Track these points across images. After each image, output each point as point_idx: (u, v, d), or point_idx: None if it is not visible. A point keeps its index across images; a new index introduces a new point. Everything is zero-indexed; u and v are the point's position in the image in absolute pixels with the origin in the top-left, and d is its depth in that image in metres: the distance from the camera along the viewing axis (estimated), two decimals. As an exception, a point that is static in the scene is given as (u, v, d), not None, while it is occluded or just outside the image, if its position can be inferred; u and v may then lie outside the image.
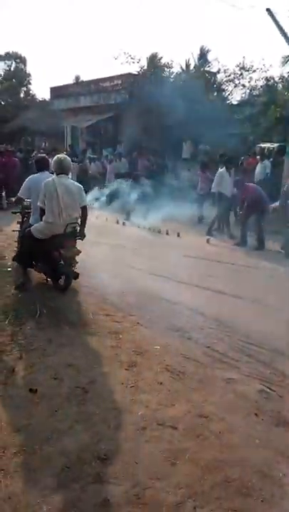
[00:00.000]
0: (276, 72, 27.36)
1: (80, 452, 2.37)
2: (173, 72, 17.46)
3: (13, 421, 2.66)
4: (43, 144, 21.49)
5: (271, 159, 12.35)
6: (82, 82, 23.01)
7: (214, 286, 5.60)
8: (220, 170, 9.45)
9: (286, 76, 17.32)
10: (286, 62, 17.61)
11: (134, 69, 16.98)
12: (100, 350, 3.65)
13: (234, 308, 4.86)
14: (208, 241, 8.69)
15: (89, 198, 9.97)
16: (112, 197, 11.62)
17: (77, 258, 4.92)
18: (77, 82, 25.09)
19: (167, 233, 9.32)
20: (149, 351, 3.67)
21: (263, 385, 3.20)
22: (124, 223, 10.36)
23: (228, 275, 6.35)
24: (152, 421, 2.70)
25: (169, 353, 3.66)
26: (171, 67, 17.52)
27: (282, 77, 17.81)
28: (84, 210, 4.89)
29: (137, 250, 7.59)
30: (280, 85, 17.83)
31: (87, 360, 3.47)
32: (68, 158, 4.93)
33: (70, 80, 27.26)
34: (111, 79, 18.34)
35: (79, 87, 21.33)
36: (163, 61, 20.23)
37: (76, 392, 2.99)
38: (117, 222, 10.40)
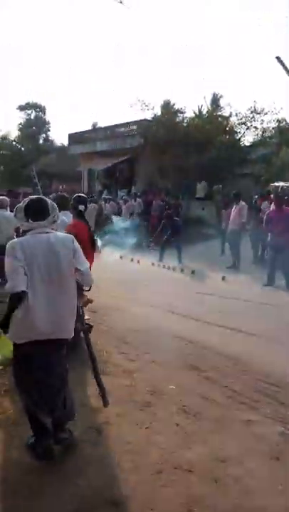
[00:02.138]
0: (287, 113, 28.28)
1: (92, 496, 2.27)
2: (186, 117, 18.16)
3: (23, 462, 2.59)
4: (61, 186, 22.24)
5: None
6: (99, 128, 24.09)
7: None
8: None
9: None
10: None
11: (148, 115, 17.78)
12: (114, 390, 3.57)
13: (251, 347, 4.74)
14: (223, 278, 8.64)
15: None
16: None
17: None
18: (94, 128, 26.29)
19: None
20: (164, 391, 3.59)
21: (283, 427, 3.06)
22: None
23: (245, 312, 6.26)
24: (168, 464, 2.59)
25: (185, 393, 3.56)
26: (184, 113, 18.27)
27: (293, 119, 18.30)
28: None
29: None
30: (292, 127, 18.28)
31: (101, 400, 3.40)
32: (5, 198, 7.00)
33: (88, 126, 28.64)
34: (126, 125, 19.16)
35: (96, 133, 22.30)
36: (176, 107, 21.17)
37: (89, 433, 2.91)
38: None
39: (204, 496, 2.31)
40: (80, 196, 4.73)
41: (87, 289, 3.00)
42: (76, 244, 2.65)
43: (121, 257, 10.84)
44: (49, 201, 2.70)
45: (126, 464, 2.58)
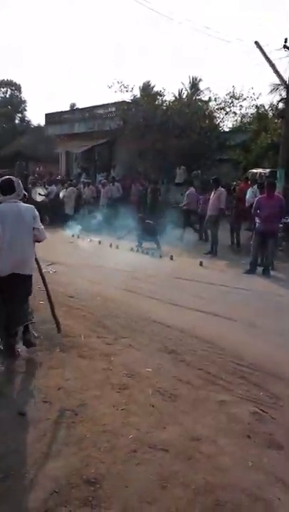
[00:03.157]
0: (265, 100, 28.38)
1: (69, 476, 2.32)
2: (165, 101, 17.96)
3: (0, 445, 2.60)
4: (38, 168, 21.78)
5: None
6: (77, 109, 23.57)
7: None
8: None
9: (275, 104, 17.90)
10: (275, 90, 18.30)
11: (127, 97, 17.51)
12: (91, 373, 3.61)
13: (227, 331, 4.85)
14: (201, 264, 8.74)
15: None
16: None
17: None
18: (73, 109, 25.71)
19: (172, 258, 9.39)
20: (140, 373, 3.64)
21: (255, 407, 3.17)
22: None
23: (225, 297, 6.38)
24: (143, 444, 2.65)
25: (161, 376, 3.63)
26: (164, 96, 18.06)
27: (272, 105, 18.40)
28: None
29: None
30: (270, 113, 18.39)
31: (77, 382, 3.43)
32: None
33: (66, 107, 27.99)
34: (105, 106, 18.83)
35: (74, 114, 21.82)
36: (155, 89, 20.90)
37: (66, 415, 2.94)
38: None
39: (177, 473, 2.39)
40: None
41: None
42: (36, 212, 3.88)
43: (99, 242, 10.80)
44: (15, 181, 3.83)
45: (102, 444, 2.63)
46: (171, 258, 9.25)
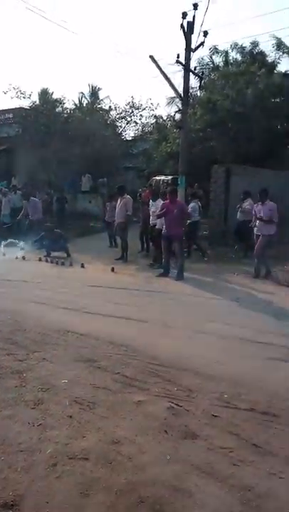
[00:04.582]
0: (163, 111, 29.81)
1: (-16, 504, 2.17)
2: (66, 108, 17.84)
3: None
4: None
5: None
6: None
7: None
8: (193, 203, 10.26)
9: (173, 115, 18.93)
10: (171, 103, 19.35)
11: (26, 103, 17.01)
12: (2, 393, 3.42)
13: (140, 333, 4.98)
14: (113, 270, 8.82)
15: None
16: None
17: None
18: None
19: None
20: (56, 386, 3.56)
21: (170, 403, 3.31)
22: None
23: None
24: (63, 456, 2.59)
25: (78, 385, 3.59)
26: (64, 103, 17.91)
27: (169, 116, 19.43)
28: None
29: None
30: (168, 123, 19.38)
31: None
32: None
33: None
34: (2, 112, 18.05)
35: None
36: (54, 96, 20.64)
37: (-25, 441, 2.75)
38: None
39: (99, 479, 2.38)
40: None
41: None
42: None
43: (4, 254, 10.29)
44: None
45: (19, 464, 2.51)
46: (82, 266, 9.19)
